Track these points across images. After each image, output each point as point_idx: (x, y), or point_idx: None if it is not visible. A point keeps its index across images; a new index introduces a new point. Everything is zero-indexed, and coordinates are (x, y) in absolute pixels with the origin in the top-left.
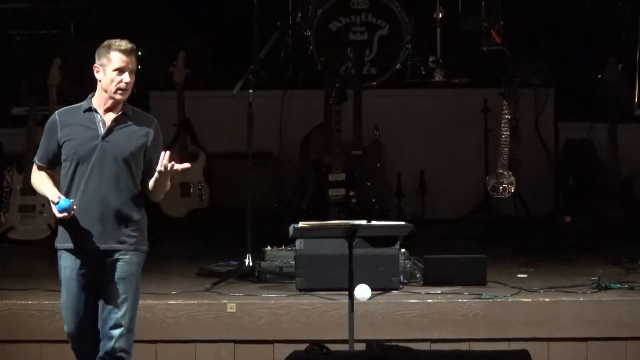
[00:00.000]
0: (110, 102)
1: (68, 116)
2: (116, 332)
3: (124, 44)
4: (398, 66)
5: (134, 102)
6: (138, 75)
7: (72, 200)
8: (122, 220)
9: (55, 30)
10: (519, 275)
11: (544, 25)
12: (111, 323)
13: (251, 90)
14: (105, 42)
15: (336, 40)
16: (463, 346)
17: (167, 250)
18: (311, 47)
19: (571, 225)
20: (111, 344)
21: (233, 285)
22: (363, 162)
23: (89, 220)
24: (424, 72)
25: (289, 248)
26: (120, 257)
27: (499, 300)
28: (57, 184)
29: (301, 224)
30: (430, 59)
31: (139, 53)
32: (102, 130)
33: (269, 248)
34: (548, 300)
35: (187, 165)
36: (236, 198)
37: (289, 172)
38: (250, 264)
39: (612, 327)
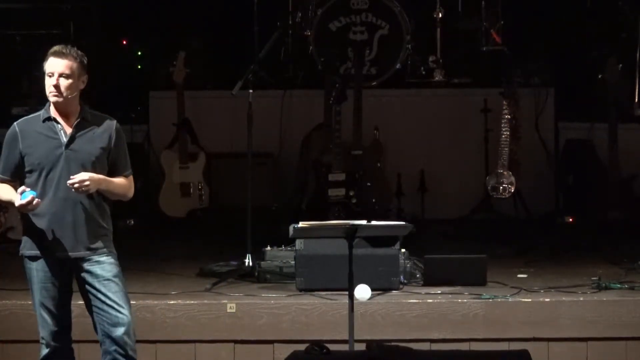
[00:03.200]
0: (60, 109)
1: (28, 126)
2: (121, 330)
3: (58, 47)
4: (398, 66)
5: (134, 102)
6: (138, 75)
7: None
8: (94, 225)
9: (55, 30)
10: (519, 275)
11: (544, 25)
12: (115, 323)
13: (251, 90)
14: None
15: (336, 40)
16: (463, 346)
17: (167, 250)
18: (311, 47)
19: (571, 225)
20: (118, 344)
21: (233, 285)
22: (363, 162)
23: (61, 227)
24: (424, 72)
25: (289, 248)
26: (97, 260)
27: (499, 300)
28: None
29: (301, 224)
30: (430, 59)
31: (139, 53)
32: (64, 139)
33: (269, 248)
34: (548, 300)
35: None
36: (236, 198)
37: (289, 172)
38: (250, 264)
39: (612, 327)
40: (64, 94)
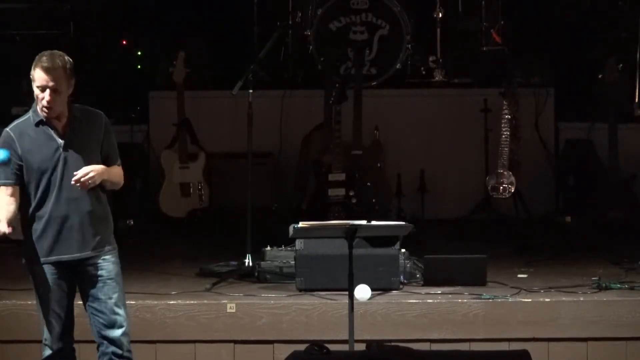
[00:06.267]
0: (52, 114)
1: (21, 131)
2: (119, 332)
3: (46, 60)
4: (398, 66)
5: (134, 102)
6: (138, 75)
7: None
8: (97, 222)
9: (55, 30)
10: (519, 275)
11: (544, 25)
12: (113, 324)
13: (251, 90)
14: (38, 55)
15: (336, 40)
16: (463, 346)
17: (167, 250)
18: (311, 47)
19: (571, 225)
20: (117, 344)
21: (233, 285)
22: (363, 162)
23: (68, 229)
24: (424, 72)
25: (289, 248)
26: (102, 259)
27: (499, 300)
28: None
29: (301, 224)
30: (430, 59)
31: (139, 53)
32: (60, 141)
33: (269, 248)
34: (548, 300)
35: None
36: (236, 198)
37: (289, 172)
38: (250, 264)
39: (612, 327)
40: (56, 109)
